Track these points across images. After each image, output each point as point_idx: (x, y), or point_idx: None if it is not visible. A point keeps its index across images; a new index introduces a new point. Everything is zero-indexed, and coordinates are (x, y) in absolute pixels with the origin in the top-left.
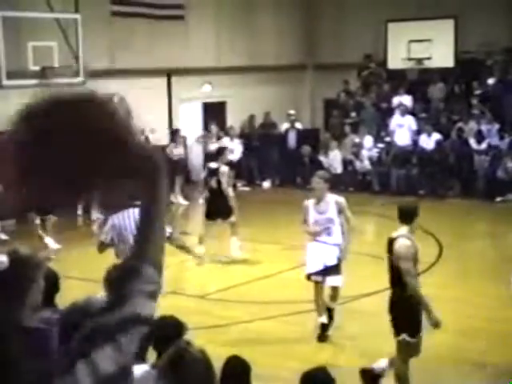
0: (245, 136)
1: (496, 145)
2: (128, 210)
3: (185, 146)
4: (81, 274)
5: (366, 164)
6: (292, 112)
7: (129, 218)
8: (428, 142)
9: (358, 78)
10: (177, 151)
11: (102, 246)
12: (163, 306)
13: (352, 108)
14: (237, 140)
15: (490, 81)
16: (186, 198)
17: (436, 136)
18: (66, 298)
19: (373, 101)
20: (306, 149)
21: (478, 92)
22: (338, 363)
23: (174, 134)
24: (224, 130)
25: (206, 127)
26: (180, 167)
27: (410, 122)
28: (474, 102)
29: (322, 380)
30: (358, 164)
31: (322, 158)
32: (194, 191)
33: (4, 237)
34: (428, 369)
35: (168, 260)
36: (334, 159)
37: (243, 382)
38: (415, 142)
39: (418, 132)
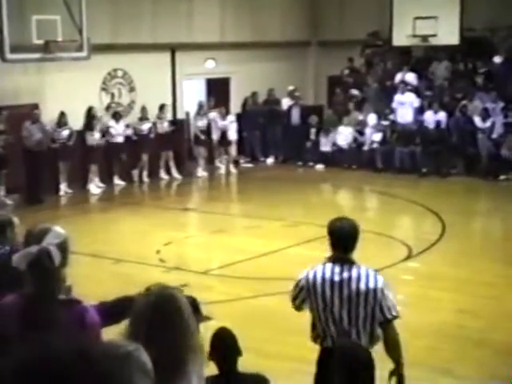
0: (248, 112)
1: (501, 123)
2: (325, 266)
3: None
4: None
5: (372, 141)
6: (291, 88)
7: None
8: (432, 119)
9: (361, 55)
10: (162, 127)
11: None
12: (166, 281)
13: (355, 85)
14: (230, 117)
15: (497, 59)
16: (180, 172)
17: (441, 114)
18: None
19: (377, 78)
20: (314, 118)
21: (482, 70)
22: None
23: (161, 109)
24: (218, 109)
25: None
26: (166, 143)
27: (411, 100)
28: (479, 80)
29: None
30: (368, 137)
31: (322, 138)
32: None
33: (9, 202)
34: (428, 346)
35: (171, 236)
36: (339, 135)
37: (232, 352)
38: (419, 120)
39: (422, 110)
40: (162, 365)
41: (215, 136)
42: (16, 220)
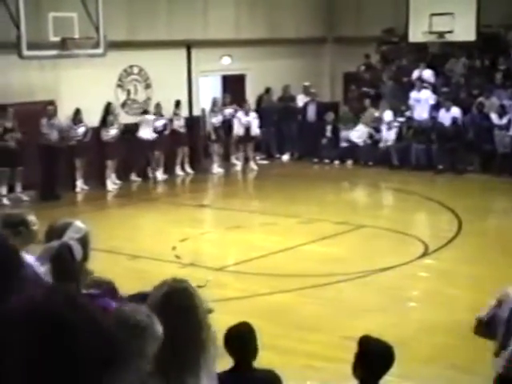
0: (263, 109)
1: None
2: None
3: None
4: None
5: (390, 136)
6: (306, 84)
7: None
8: (447, 117)
9: (377, 51)
10: (178, 123)
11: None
12: (182, 278)
13: (371, 82)
14: (253, 113)
15: None
16: (192, 168)
17: (455, 111)
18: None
19: (393, 74)
20: (330, 115)
21: (503, 67)
22: (357, 334)
23: (176, 106)
24: (234, 105)
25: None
26: (183, 139)
27: (427, 97)
28: (498, 76)
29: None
30: (383, 135)
31: (343, 132)
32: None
33: (25, 198)
34: (445, 343)
35: (187, 232)
36: (356, 132)
37: (247, 347)
38: (434, 117)
39: (438, 106)
40: (171, 358)
41: (240, 132)
42: (32, 217)
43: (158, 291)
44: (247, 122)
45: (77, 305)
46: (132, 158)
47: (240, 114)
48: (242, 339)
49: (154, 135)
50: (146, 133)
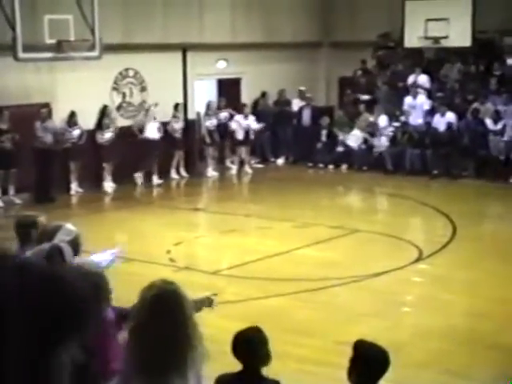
0: (259, 113)
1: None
2: None
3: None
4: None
5: (383, 143)
6: (302, 89)
7: None
8: (442, 122)
9: (372, 56)
10: (177, 126)
11: None
12: (176, 281)
13: (367, 87)
14: (251, 117)
15: (510, 61)
16: (187, 171)
17: (450, 116)
18: None
19: (388, 79)
20: (326, 120)
21: (498, 72)
22: (351, 339)
23: (175, 108)
24: (236, 108)
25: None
26: (179, 142)
27: (422, 102)
28: (493, 82)
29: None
30: (376, 142)
31: (340, 135)
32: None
33: (18, 201)
34: (440, 348)
35: (182, 236)
36: (352, 137)
37: (254, 354)
38: (429, 122)
39: (433, 111)
40: (158, 358)
41: (240, 136)
42: (42, 219)
43: (147, 292)
44: (247, 125)
45: (62, 289)
46: (133, 159)
47: (239, 117)
48: (248, 344)
49: (159, 134)
50: (152, 133)
